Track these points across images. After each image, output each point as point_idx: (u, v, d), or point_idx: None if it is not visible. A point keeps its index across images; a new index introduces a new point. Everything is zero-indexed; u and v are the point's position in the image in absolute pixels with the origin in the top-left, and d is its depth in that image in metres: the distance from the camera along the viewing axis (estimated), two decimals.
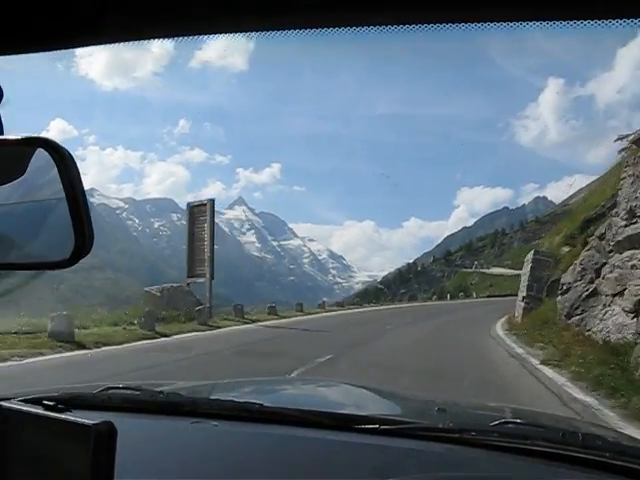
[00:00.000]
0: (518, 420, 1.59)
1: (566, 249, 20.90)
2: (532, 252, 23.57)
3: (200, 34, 0.79)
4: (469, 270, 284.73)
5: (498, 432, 1.40)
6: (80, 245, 0.84)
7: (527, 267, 22.27)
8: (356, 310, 36.84)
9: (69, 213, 0.85)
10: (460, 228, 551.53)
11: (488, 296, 62.41)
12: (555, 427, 1.60)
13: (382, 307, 40.53)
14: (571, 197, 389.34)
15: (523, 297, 20.99)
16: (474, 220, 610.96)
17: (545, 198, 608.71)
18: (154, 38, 0.75)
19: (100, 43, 0.80)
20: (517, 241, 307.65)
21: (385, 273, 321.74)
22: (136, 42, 0.78)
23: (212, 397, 1.82)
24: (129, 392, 1.81)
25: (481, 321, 23.82)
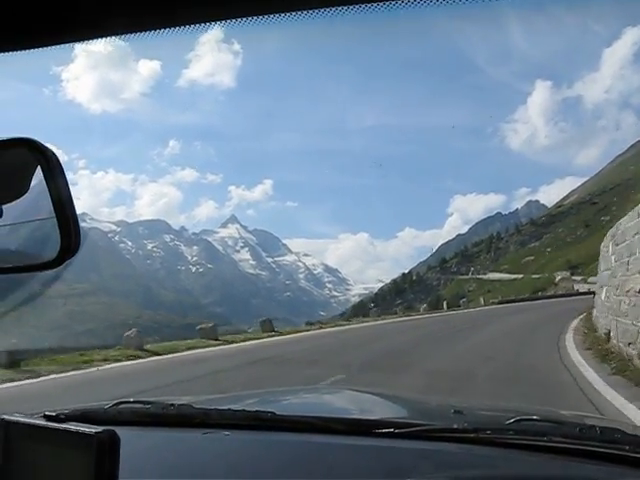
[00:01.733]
0: (534, 417, 1.58)
1: None
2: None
3: (194, 23, 0.75)
4: (465, 277, 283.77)
5: (514, 430, 1.40)
6: (66, 246, 0.83)
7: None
8: (336, 329, 28.36)
9: (54, 213, 0.83)
10: (454, 236, 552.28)
11: (500, 302, 53.95)
12: (572, 423, 1.58)
13: (364, 324, 32.98)
14: (564, 198, 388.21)
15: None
16: (468, 227, 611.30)
17: (538, 202, 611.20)
18: (146, 30, 0.73)
19: (98, 37, 0.77)
20: (513, 244, 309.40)
21: (381, 285, 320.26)
22: (130, 35, 0.76)
23: (223, 407, 1.77)
24: (139, 406, 1.80)
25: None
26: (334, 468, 1.28)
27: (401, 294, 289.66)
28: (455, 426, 1.41)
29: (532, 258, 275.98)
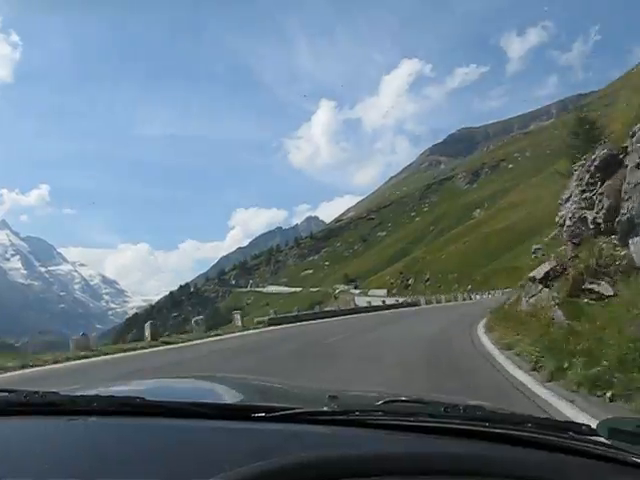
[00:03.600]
0: (402, 398, 1.64)
1: None
2: None
3: None
4: (244, 289, 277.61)
5: (382, 411, 1.43)
6: None
7: None
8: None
9: None
10: (235, 249, 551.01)
11: (271, 323, 34.85)
12: (438, 403, 1.63)
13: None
14: (343, 214, 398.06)
15: None
16: (249, 240, 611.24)
17: (317, 218, 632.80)
18: None
19: None
20: (292, 258, 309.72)
21: (160, 297, 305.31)
22: None
23: (91, 394, 1.72)
24: (2, 395, 1.71)
25: None
26: (202, 451, 1.29)
27: (178, 306, 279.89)
28: (325, 409, 1.45)
29: (311, 271, 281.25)
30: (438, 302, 66.32)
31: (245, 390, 2.19)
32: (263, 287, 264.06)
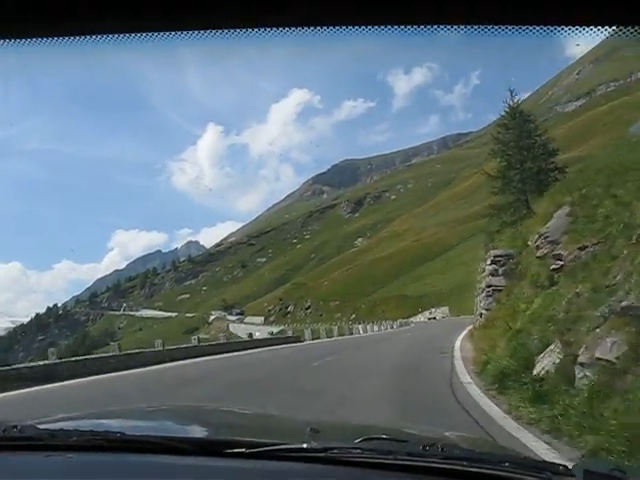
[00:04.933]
0: (383, 436, 1.66)
1: None
2: None
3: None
4: (117, 312, 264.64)
5: (361, 448, 1.44)
6: None
7: None
8: None
9: None
10: (112, 271, 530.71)
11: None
12: (417, 440, 1.66)
13: None
14: (224, 240, 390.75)
15: None
16: (127, 263, 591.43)
17: (197, 242, 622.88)
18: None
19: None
20: (169, 281, 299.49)
21: (29, 319, 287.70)
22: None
23: (70, 428, 1.69)
24: None
25: None
26: None
27: (44, 329, 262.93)
28: (305, 445, 1.44)
29: (188, 296, 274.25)
30: (329, 336, 44.24)
31: (224, 423, 2.18)
32: (137, 311, 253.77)
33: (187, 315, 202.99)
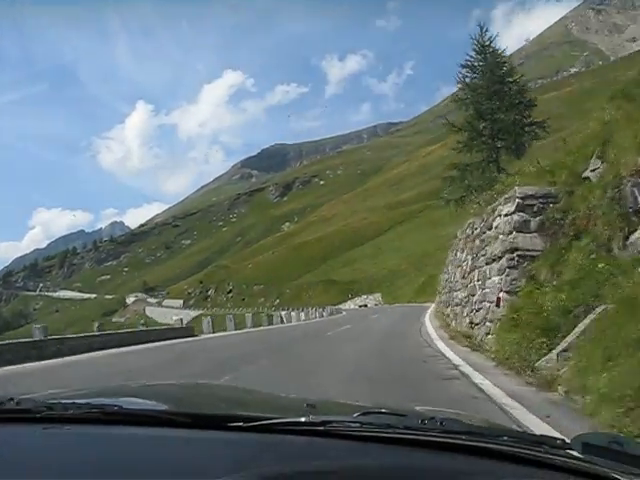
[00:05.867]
0: (381, 410, 1.66)
1: None
2: None
3: None
4: (33, 293, 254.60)
5: (360, 422, 1.45)
6: None
7: None
8: None
9: None
10: (32, 250, 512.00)
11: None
12: (416, 415, 1.66)
13: None
14: (149, 221, 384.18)
15: None
16: (49, 242, 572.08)
17: (123, 223, 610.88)
18: None
19: None
20: (89, 262, 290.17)
21: None
22: None
23: (67, 401, 1.71)
24: None
25: None
26: (177, 461, 1.31)
27: None
28: (303, 419, 1.46)
29: (108, 277, 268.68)
30: (240, 328, 30.30)
31: (224, 399, 2.20)
32: (54, 291, 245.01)
33: (106, 297, 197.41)
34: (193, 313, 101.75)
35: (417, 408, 2.03)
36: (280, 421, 1.46)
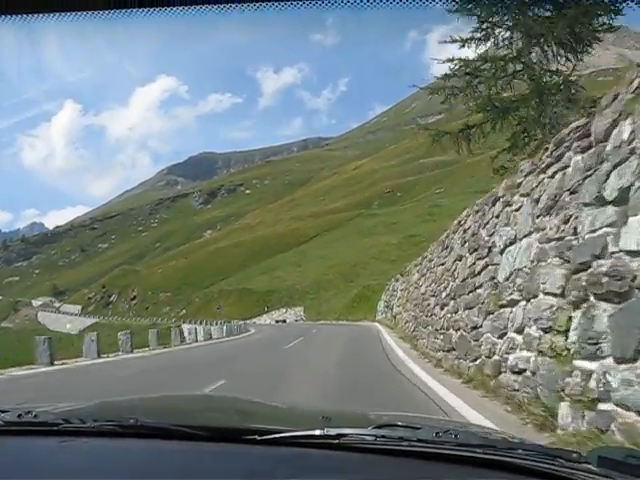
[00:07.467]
0: (398, 423, 1.67)
1: None
2: None
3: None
4: None
5: (375, 435, 1.45)
6: None
7: None
8: None
9: None
10: None
11: None
12: (430, 428, 1.65)
13: None
14: (67, 223, 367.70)
15: None
16: None
17: (42, 224, 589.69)
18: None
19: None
20: None
21: None
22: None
23: (84, 414, 1.72)
24: None
25: None
26: (192, 475, 1.31)
27: None
28: (318, 432, 1.46)
29: (17, 279, 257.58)
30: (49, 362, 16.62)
31: (238, 411, 2.20)
32: None
33: (17, 300, 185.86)
34: (89, 321, 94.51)
35: (433, 420, 2.00)
36: (295, 434, 1.45)
